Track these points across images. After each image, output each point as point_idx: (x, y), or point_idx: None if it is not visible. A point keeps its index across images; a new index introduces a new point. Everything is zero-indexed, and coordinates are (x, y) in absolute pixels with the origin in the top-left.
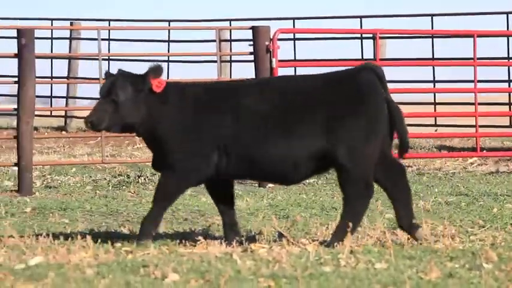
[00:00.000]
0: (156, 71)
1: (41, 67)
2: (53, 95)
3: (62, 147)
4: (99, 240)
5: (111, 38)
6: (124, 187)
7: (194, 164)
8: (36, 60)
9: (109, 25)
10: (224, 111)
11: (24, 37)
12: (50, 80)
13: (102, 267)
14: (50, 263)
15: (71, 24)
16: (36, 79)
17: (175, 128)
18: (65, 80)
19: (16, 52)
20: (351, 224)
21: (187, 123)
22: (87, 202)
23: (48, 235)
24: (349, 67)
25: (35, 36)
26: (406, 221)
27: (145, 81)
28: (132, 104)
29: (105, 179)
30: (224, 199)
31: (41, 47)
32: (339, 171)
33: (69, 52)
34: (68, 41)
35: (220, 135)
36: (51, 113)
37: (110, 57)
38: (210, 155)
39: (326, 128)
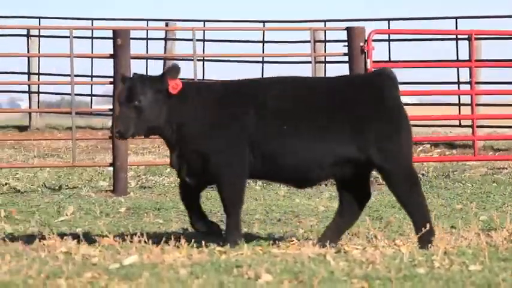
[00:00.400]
0: (173, 71)
1: (136, 67)
2: None
3: (156, 147)
4: (192, 240)
5: (205, 38)
6: None
7: (238, 160)
8: (132, 60)
9: (204, 26)
10: (249, 110)
11: (120, 38)
12: None
13: (195, 267)
14: (144, 263)
15: (166, 25)
16: None
17: (207, 127)
18: None
19: (112, 53)
20: (426, 220)
21: (217, 122)
22: (181, 202)
23: (142, 235)
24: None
25: (131, 36)
26: (332, 239)
27: (164, 82)
28: (154, 106)
29: None
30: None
31: (136, 47)
32: (381, 174)
33: (164, 53)
34: (163, 41)
35: (248, 133)
36: None
37: (205, 58)
38: (245, 153)
39: (355, 129)
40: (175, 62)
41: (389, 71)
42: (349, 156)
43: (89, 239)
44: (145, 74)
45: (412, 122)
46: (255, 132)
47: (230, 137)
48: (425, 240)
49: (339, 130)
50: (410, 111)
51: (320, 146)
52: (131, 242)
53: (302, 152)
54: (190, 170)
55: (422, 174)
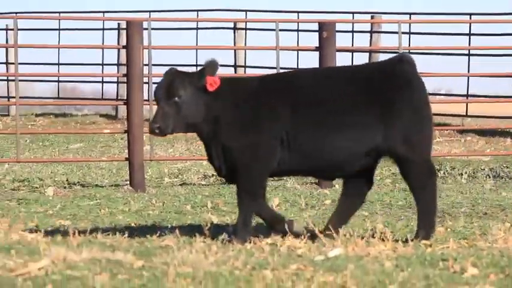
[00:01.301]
0: (212, 68)
1: (342, 60)
2: None
3: None
4: (397, 233)
5: (411, 31)
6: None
7: (266, 156)
8: (337, 53)
9: (409, 18)
10: (282, 103)
11: (326, 30)
12: None
13: (400, 260)
14: (349, 255)
15: (372, 17)
16: None
17: (239, 123)
18: None
19: (317, 45)
20: (431, 211)
21: (250, 118)
22: (386, 195)
23: (347, 227)
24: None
25: (336, 29)
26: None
27: (203, 78)
28: (193, 103)
29: None
30: None
31: (341, 40)
32: (400, 163)
33: (370, 45)
34: (368, 34)
35: (280, 127)
36: None
37: (410, 51)
38: (275, 148)
39: (382, 119)
40: (213, 58)
41: (409, 57)
42: (377, 145)
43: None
44: (181, 69)
45: None
46: (291, 127)
47: (262, 133)
48: (424, 234)
49: (368, 120)
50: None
51: (351, 137)
52: (336, 234)
53: (336, 144)
54: (229, 167)
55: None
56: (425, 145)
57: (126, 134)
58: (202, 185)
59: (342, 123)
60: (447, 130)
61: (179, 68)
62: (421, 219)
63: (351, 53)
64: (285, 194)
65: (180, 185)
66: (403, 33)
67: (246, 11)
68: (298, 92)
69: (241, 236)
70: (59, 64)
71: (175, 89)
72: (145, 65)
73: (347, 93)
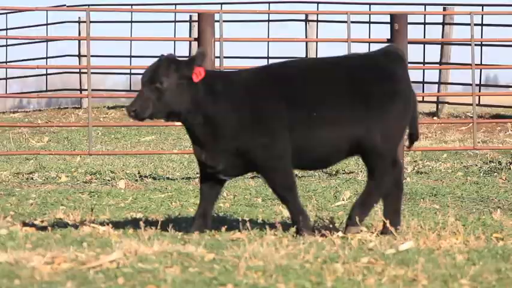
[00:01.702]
0: (201, 57)
1: (414, 52)
2: (425, 80)
3: (433, 133)
4: (470, 227)
5: (484, 23)
6: (495, 173)
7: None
8: (409, 45)
9: (482, 10)
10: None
11: (398, 22)
12: (422, 65)
13: (472, 254)
14: (420, 248)
15: (444, 9)
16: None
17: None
18: (437, 65)
19: (389, 37)
20: (374, 201)
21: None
22: (457, 188)
23: (418, 220)
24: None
25: (408, 21)
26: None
27: (190, 68)
28: (176, 91)
29: (476, 165)
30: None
31: (413, 32)
32: (371, 154)
33: (442, 37)
34: (440, 26)
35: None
36: (423, 99)
37: (483, 43)
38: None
39: (363, 109)
40: (202, 48)
41: (395, 49)
42: (358, 137)
43: (366, 223)
44: (173, 55)
45: None
46: (287, 119)
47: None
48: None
49: (350, 112)
50: None
51: (335, 130)
52: (407, 227)
53: (320, 137)
54: (227, 163)
55: None
56: (398, 138)
57: None
58: None
59: (325, 116)
60: None
61: (248, 61)
62: (362, 205)
63: (422, 45)
64: (356, 187)
65: (251, 178)
66: (475, 24)
67: (317, 2)
68: (288, 84)
69: (307, 226)
70: (131, 56)
71: (159, 75)
72: (217, 57)
73: (330, 85)
